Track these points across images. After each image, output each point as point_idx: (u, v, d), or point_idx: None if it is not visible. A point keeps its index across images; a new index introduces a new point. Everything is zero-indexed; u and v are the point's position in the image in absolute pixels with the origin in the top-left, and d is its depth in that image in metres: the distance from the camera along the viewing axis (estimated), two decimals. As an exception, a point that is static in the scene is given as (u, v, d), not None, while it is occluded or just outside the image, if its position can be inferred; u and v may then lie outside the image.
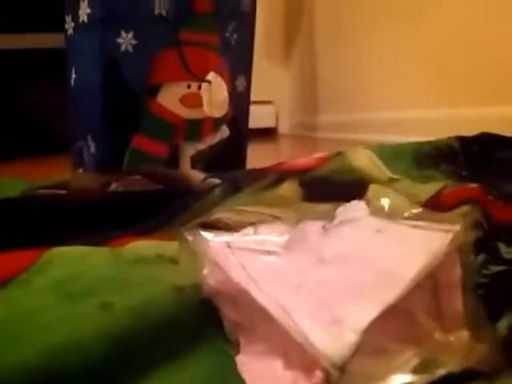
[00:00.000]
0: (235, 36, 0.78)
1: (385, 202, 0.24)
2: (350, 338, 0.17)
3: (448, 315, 0.20)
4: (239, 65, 0.80)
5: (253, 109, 0.90)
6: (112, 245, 0.33)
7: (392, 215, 0.22)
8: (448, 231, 0.21)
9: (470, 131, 0.61)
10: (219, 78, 0.74)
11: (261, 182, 0.54)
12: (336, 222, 0.23)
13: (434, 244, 0.20)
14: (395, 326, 0.18)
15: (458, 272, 0.20)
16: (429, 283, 0.20)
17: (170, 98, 0.71)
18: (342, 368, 0.17)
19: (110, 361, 0.19)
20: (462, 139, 0.61)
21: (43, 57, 1.07)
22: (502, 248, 0.33)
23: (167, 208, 0.49)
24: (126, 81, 0.68)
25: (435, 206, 0.48)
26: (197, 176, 0.62)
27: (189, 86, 0.73)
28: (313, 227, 0.23)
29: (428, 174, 0.57)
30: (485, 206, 0.44)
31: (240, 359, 0.21)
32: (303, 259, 0.21)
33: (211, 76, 0.73)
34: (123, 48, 0.68)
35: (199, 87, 0.73)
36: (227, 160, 0.77)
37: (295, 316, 0.18)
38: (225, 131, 0.78)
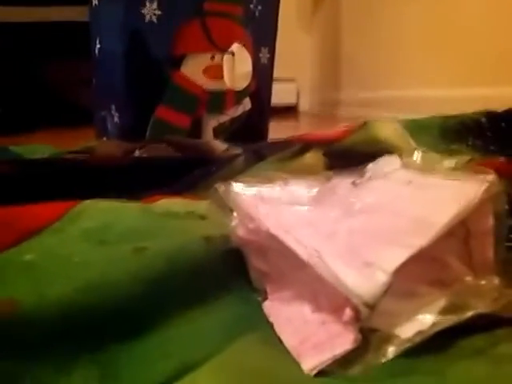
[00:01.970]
0: (259, 7, 0.77)
1: (417, 156, 0.24)
2: (381, 278, 0.17)
3: (479, 262, 0.20)
4: (263, 37, 0.79)
5: (274, 86, 0.89)
6: (142, 201, 0.34)
7: (424, 168, 0.22)
8: (482, 181, 0.20)
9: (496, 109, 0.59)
10: (244, 50, 0.73)
11: (284, 152, 0.54)
12: (366, 176, 0.23)
13: (467, 193, 0.20)
14: (426, 270, 0.19)
15: (490, 221, 0.20)
16: (461, 231, 0.20)
17: (194, 70, 0.71)
18: (373, 306, 0.17)
19: (141, 300, 0.20)
20: (490, 114, 0.60)
21: (68, 29, 1.07)
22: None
23: (191, 174, 0.49)
24: (150, 51, 0.68)
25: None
26: (219, 146, 0.62)
27: (212, 58, 0.72)
28: (342, 183, 0.23)
29: (455, 147, 0.56)
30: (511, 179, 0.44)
31: (267, 306, 0.22)
32: (334, 210, 0.21)
33: (235, 47, 0.73)
34: (147, 18, 0.68)
35: (223, 59, 0.72)
36: (249, 133, 0.76)
37: (327, 259, 0.19)
38: (247, 104, 0.78)
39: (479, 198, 0.20)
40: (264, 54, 0.80)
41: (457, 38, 1.10)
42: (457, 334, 0.18)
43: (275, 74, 0.87)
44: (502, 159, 0.48)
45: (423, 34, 1.23)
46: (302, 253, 0.20)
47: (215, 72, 0.72)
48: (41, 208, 0.28)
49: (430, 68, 1.19)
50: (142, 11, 0.68)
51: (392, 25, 1.33)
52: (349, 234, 0.20)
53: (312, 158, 0.52)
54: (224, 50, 0.72)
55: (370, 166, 0.24)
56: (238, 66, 0.74)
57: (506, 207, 0.36)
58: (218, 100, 0.73)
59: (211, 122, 0.75)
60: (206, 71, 0.72)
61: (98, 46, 0.74)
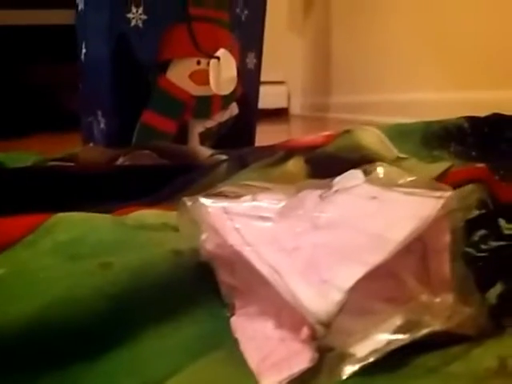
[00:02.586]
0: (246, 12, 0.78)
1: (380, 171, 0.24)
2: (336, 296, 0.17)
3: (435, 279, 0.20)
4: (249, 42, 0.79)
5: (265, 89, 0.89)
6: (117, 213, 0.34)
7: (386, 183, 0.23)
8: (439, 198, 0.21)
9: (484, 113, 0.60)
10: (229, 55, 0.74)
11: (267, 159, 0.54)
12: (332, 190, 0.23)
13: (424, 210, 0.20)
14: (382, 287, 0.19)
15: (446, 238, 0.20)
16: (418, 248, 0.20)
17: (180, 74, 0.71)
18: (328, 324, 0.17)
19: (106, 316, 0.20)
20: (472, 119, 0.60)
21: (56, 33, 1.07)
22: (503, 225, 0.33)
23: (173, 182, 0.50)
24: (136, 56, 0.68)
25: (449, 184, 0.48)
26: (204, 152, 0.62)
27: (198, 63, 0.72)
28: (310, 196, 0.24)
29: (436, 153, 0.57)
30: (490, 186, 0.44)
31: (234, 321, 0.22)
32: (299, 225, 0.21)
33: (221, 52, 0.73)
34: (133, 23, 0.68)
35: (209, 64, 0.72)
36: (236, 138, 0.77)
37: (286, 277, 0.19)
38: (234, 109, 0.78)
39: (436, 214, 0.20)
40: (251, 59, 0.80)
41: (447, 42, 1.11)
42: (411, 351, 0.19)
43: (266, 77, 0.87)
44: (481, 166, 0.49)
45: (413, 38, 1.23)
46: (264, 270, 0.20)
47: (201, 77, 0.72)
48: (15, 221, 0.28)
49: (420, 72, 1.20)
50: (128, 16, 0.68)
51: (383, 29, 1.33)
52: (311, 249, 0.20)
53: (294, 165, 0.53)
54: (210, 54, 0.72)
55: (337, 179, 0.25)
56: (223, 71, 0.74)
57: (482, 213, 0.37)
58: (205, 105, 0.73)
59: (197, 128, 0.75)
60: (191, 76, 0.73)
61: (84, 50, 0.74)
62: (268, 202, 0.23)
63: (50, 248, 0.26)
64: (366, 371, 0.17)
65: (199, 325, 0.22)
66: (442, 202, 0.21)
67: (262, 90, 0.86)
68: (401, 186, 0.22)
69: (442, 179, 0.48)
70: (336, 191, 0.23)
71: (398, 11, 1.28)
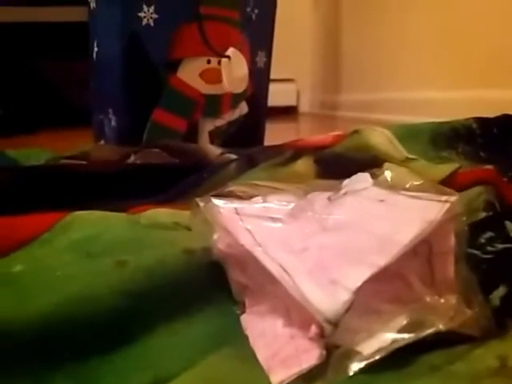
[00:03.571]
0: (256, 11, 0.78)
1: (388, 174, 0.24)
2: (344, 296, 0.18)
3: (440, 280, 0.20)
4: (260, 40, 0.79)
5: (274, 87, 0.90)
6: (130, 212, 0.35)
7: (394, 186, 0.23)
8: (444, 202, 0.21)
9: (495, 113, 0.60)
10: (239, 54, 0.74)
11: (276, 159, 0.55)
12: (341, 192, 0.24)
13: (430, 213, 0.21)
14: (389, 288, 0.19)
15: (451, 241, 0.21)
16: (424, 250, 0.21)
17: (190, 73, 0.72)
18: (335, 323, 0.18)
19: (121, 313, 0.21)
20: (481, 120, 0.61)
21: (67, 30, 1.08)
22: (510, 227, 0.33)
23: (183, 180, 0.50)
24: (147, 55, 0.69)
25: (450, 187, 0.48)
26: (214, 151, 0.63)
27: (209, 62, 0.73)
28: (319, 198, 0.24)
29: (445, 154, 0.57)
30: (498, 188, 0.45)
31: (245, 319, 0.23)
32: (308, 226, 0.22)
33: (231, 51, 0.73)
34: (144, 22, 0.69)
35: (219, 63, 0.73)
36: (245, 136, 0.77)
37: (295, 276, 0.19)
38: (244, 108, 0.79)
39: (441, 218, 0.21)
40: (261, 58, 0.81)
41: (460, 40, 1.10)
42: (416, 350, 0.19)
43: (275, 75, 0.87)
44: (489, 167, 0.49)
45: (425, 35, 1.23)
46: (273, 269, 0.21)
47: (211, 76, 0.73)
48: (31, 219, 0.29)
49: (431, 70, 1.19)
50: (139, 14, 0.68)
51: (393, 26, 1.33)
52: (319, 250, 0.21)
53: (303, 165, 0.53)
54: (220, 53, 0.73)
55: (346, 181, 0.25)
56: (234, 70, 0.74)
57: (490, 215, 0.37)
58: (215, 104, 0.74)
59: (207, 126, 0.76)
60: (202, 75, 0.73)
61: (96, 49, 0.75)
62: (278, 204, 0.24)
63: (66, 246, 0.26)
64: (371, 369, 0.18)
65: (210, 322, 0.23)
66: (447, 206, 0.21)
67: (271, 87, 0.86)
68: (408, 189, 0.23)
69: (449, 180, 0.49)
70: (345, 193, 0.24)
71: (410, 8, 1.27)
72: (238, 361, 0.20)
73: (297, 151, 0.54)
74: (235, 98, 0.76)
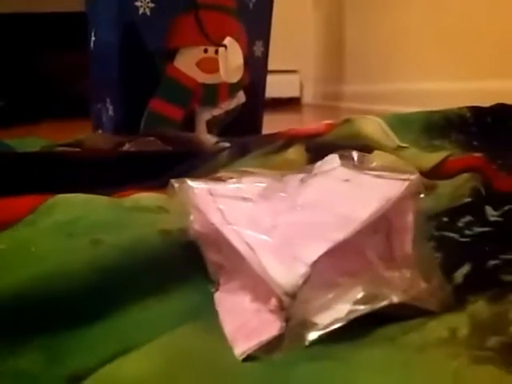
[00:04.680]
0: (253, 0, 0.78)
1: (354, 155, 0.25)
2: (301, 269, 0.19)
3: (398, 256, 0.21)
4: (257, 30, 0.80)
5: (277, 78, 0.90)
6: (116, 196, 0.36)
7: (359, 166, 0.24)
8: (404, 180, 0.22)
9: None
10: (236, 43, 0.74)
11: (268, 147, 0.55)
12: (312, 174, 0.24)
13: (390, 191, 0.21)
14: (347, 262, 0.20)
15: (410, 218, 0.21)
16: (384, 227, 0.21)
17: (187, 62, 0.72)
18: (293, 295, 0.18)
19: (92, 289, 0.22)
20: (475, 109, 0.60)
21: (66, 20, 1.09)
22: (490, 212, 0.34)
23: (175, 168, 0.51)
24: (144, 44, 0.69)
25: (439, 174, 0.49)
26: (209, 139, 0.63)
27: (205, 51, 0.73)
28: (292, 179, 0.25)
29: (437, 143, 0.57)
30: (486, 175, 0.45)
31: (217, 296, 0.23)
32: (278, 206, 0.22)
33: (228, 41, 0.74)
34: (141, 11, 0.69)
35: (216, 52, 0.73)
36: (243, 125, 0.78)
37: (260, 253, 0.20)
38: (241, 97, 0.79)
39: (400, 195, 0.21)
40: (258, 47, 0.81)
41: (461, 31, 1.09)
42: (375, 323, 0.20)
43: (278, 66, 0.87)
44: (478, 155, 0.49)
45: (428, 26, 1.22)
46: (240, 247, 0.21)
47: (208, 65, 0.73)
48: (16, 201, 0.30)
49: (435, 61, 1.19)
50: (136, 4, 0.69)
51: (396, 17, 1.32)
52: (286, 228, 0.21)
53: (294, 152, 0.53)
54: (217, 43, 0.73)
55: (318, 164, 0.26)
56: (230, 60, 0.75)
57: (469, 201, 0.37)
58: (212, 93, 0.75)
59: (205, 115, 0.76)
60: (199, 64, 0.74)
61: (94, 38, 0.76)
62: (250, 185, 0.24)
63: (49, 227, 0.27)
64: (327, 339, 0.19)
65: (184, 299, 0.23)
66: (406, 183, 0.22)
67: (275, 78, 0.86)
68: (372, 169, 0.23)
69: (439, 168, 0.49)
70: (315, 174, 0.24)
71: (414, 2, 1.26)
72: (205, 333, 0.21)
73: (289, 139, 0.54)
74: (232, 88, 0.76)
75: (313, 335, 0.18)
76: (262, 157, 0.55)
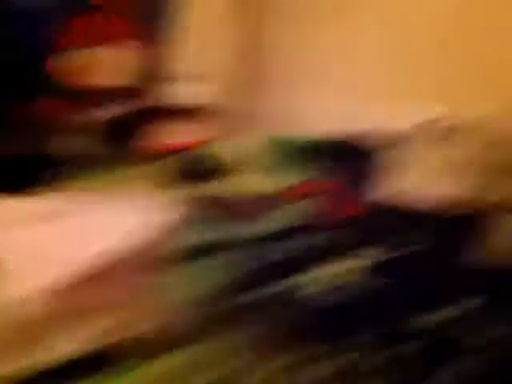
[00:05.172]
0: (153, 3, 0.77)
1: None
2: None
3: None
4: (153, 33, 0.78)
5: (190, 84, 0.88)
6: None
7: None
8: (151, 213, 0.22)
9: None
10: (126, 46, 0.73)
11: (132, 158, 0.55)
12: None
13: (130, 224, 0.21)
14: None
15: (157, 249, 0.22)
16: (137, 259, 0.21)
17: (74, 64, 0.70)
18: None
19: None
20: (352, 135, 0.64)
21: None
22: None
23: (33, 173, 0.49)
24: (30, 42, 0.67)
25: (285, 197, 0.51)
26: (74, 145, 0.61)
27: (95, 53, 0.72)
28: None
29: (300, 168, 0.60)
30: (331, 199, 0.48)
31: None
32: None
33: (118, 43, 0.72)
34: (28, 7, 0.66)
35: (104, 54, 0.72)
36: (128, 131, 0.76)
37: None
38: (127, 102, 0.78)
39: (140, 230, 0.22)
40: (153, 51, 0.80)
41: (376, 56, 1.12)
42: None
43: (191, 72, 0.86)
44: (329, 180, 0.52)
45: (344, 48, 1.24)
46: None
47: (96, 68, 0.72)
48: None
49: (353, 80, 1.21)
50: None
51: (315, 35, 1.34)
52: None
53: (156, 165, 0.54)
54: (107, 45, 0.71)
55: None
56: (119, 62, 0.73)
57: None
58: (97, 96, 0.73)
59: (88, 119, 0.74)
60: (86, 66, 0.72)
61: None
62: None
63: None
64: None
65: None
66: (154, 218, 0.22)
67: (186, 86, 0.85)
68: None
69: (288, 192, 0.51)
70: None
71: (339, 15, 1.27)
72: None
73: (154, 153, 0.55)
74: (118, 91, 0.74)
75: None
76: (119, 169, 0.55)
